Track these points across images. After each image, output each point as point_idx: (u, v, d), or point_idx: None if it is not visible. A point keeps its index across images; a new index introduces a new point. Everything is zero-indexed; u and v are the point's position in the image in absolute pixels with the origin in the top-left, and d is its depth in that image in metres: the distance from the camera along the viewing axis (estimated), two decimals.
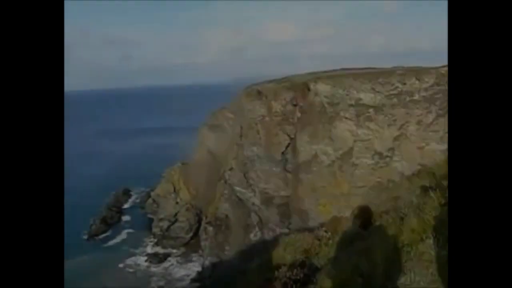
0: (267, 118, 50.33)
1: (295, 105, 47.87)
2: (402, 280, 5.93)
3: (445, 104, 37.09)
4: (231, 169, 56.36)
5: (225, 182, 56.62)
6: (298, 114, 47.08)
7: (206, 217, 58.52)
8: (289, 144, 47.75)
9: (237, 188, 54.24)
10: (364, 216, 10.96)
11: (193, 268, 55.97)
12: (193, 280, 52.53)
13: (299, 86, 49.18)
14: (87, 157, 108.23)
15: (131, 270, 55.88)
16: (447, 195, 7.74)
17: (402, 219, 7.97)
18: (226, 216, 55.21)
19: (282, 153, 48.21)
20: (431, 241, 6.37)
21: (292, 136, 47.43)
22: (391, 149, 39.68)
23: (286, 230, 41.47)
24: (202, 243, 57.25)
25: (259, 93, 53.13)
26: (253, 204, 51.80)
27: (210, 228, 56.23)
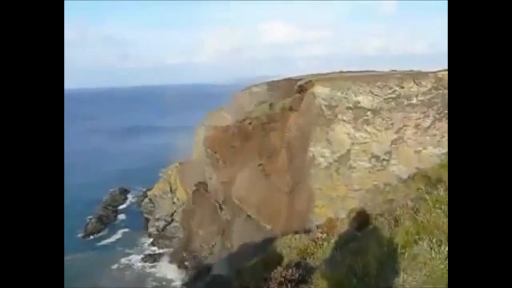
0: None
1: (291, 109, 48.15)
2: (395, 280, 6.03)
3: (443, 108, 37.25)
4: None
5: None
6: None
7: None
8: None
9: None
10: (360, 218, 11.06)
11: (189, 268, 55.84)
12: (189, 280, 52.40)
13: (297, 89, 49.36)
14: (83, 155, 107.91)
15: (125, 269, 55.78)
16: (441, 198, 7.86)
17: (396, 221, 8.07)
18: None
19: None
20: (425, 243, 6.47)
21: None
22: (388, 152, 39.77)
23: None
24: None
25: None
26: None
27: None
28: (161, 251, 60.77)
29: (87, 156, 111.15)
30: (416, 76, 41.26)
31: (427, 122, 38.06)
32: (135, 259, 58.43)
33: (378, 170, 40.00)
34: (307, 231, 14.75)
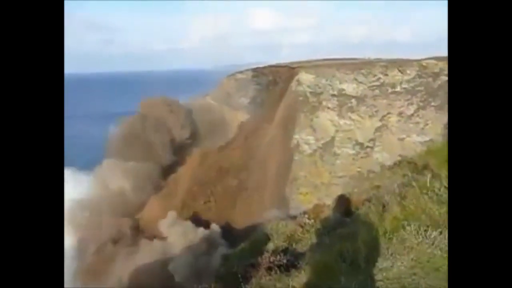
0: None
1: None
2: (384, 264, 6.15)
3: (426, 96, 37.71)
4: None
5: None
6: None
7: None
8: None
9: None
10: (347, 204, 11.19)
11: None
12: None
13: (282, 75, 49.41)
14: (66, 141, 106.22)
15: None
16: (428, 184, 8.00)
17: (384, 207, 8.21)
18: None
19: None
20: (412, 228, 6.60)
21: None
22: (372, 139, 40.22)
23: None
24: None
25: None
26: None
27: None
28: None
29: (70, 141, 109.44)
30: (400, 64, 41.67)
31: (411, 109, 38.56)
32: None
33: (362, 157, 40.45)
34: (293, 217, 14.83)
